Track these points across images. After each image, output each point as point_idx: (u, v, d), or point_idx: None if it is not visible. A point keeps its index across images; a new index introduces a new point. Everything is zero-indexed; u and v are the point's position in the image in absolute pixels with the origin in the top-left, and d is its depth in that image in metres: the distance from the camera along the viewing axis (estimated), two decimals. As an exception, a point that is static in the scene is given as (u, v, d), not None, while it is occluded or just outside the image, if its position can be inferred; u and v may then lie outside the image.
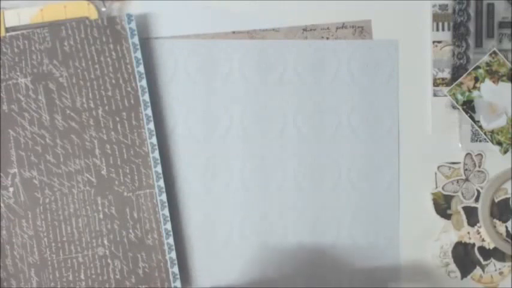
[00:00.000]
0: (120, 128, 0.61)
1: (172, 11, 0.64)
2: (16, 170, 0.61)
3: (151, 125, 0.61)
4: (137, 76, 0.61)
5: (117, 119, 0.61)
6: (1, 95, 0.61)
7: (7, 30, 0.62)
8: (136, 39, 0.61)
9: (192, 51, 0.63)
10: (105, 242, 0.61)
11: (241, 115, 0.64)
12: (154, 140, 0.61)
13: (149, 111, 0.61)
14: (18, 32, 0.61)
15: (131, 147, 0.61)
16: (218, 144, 0.63)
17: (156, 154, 0.61)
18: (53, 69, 0.61)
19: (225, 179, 0.63)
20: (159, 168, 0.61)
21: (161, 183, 0.61)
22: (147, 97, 0.61)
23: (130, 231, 0.61)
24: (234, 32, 0.64)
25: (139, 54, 0.61)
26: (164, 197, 0.61)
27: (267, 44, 0.64)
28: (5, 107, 0.61)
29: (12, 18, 0.62)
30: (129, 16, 0.61)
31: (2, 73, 0.61)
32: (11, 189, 0.61)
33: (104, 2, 0.63)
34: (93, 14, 0.62)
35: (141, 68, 0.61)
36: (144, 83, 0.61)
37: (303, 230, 0.63)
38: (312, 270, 0.63)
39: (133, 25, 0.61)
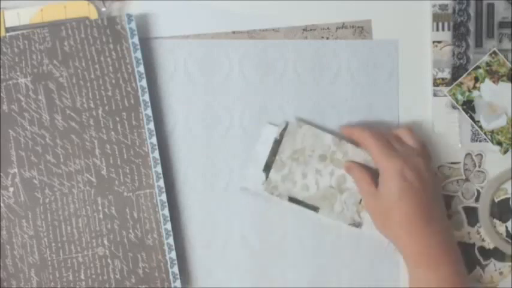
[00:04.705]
0: (120, 128, 0.61)
1: (172, 11, 0.64)
2: (16, 170, 0.61)
3: (151, 125, 0.61)
4: (137, 76, 0.61)
5: (117, 119, 0.61)
6: (1, 95, 0.61)
7: (7, 30, 0.62)
8: (136, 39, 0.61)
9: (192, 51, 0.63)
10: (105, 242, 0.61)
11: (241, 115, 0.64)
12: (154, 140, 0.61)
13: (149, 111, 0.61)
14: (18, 32, 0.61)
15: (131, 147, 0.61)
16: (218, 144, 0.63)
17: (156, 154, 0.61)
18: (53, 69, 0.61)
19: (225, 179, 0.63)
20: (159, 168, 0.61)
21: (161, 183, 0.61)
22: (147, 97, 0.61)
23: (130, 231, 0.61)
24: (234, 32, 0.64)
25: (139, 54, 0.61)
26: (164, 197, 0.61)
27: (267, 44, 0.64)
28: (5, 107, 0.61)
29: (12, 18, 0.62)
30: (129, 16, 0.61)
31: (2, 73, 0.61)
32: (11, 189, 0.61)
33: (104, 2, 0.63)
34: (93, 14, 0.62)
35: (141, 68, 0.61)
36: (144, 83, 0.61)
37: (303, 230, 0.63)
38: (312, 270, 0.63)
39: (133, 25, 0.61)
